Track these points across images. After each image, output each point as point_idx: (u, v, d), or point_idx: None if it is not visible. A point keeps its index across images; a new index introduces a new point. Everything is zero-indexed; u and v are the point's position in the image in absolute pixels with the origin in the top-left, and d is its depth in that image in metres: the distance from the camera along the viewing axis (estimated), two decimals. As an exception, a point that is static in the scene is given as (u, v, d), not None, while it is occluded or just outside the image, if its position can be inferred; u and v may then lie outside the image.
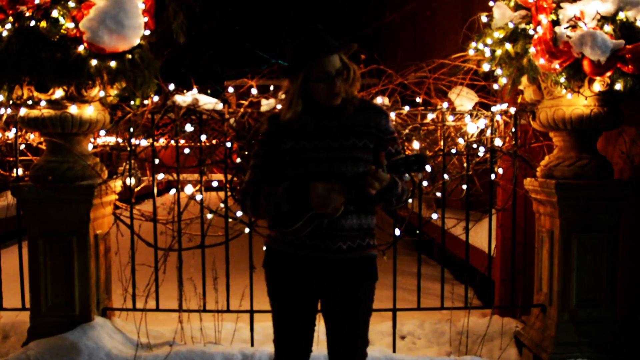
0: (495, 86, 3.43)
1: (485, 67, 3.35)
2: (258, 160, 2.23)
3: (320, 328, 2.31)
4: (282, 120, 2.17)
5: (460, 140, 3.59)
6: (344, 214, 2.10)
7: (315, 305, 2.25)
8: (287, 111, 2.15)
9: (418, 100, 3.63)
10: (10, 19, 2.99)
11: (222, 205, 3.53)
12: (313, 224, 2.09)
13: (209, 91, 3.65)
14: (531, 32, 3.10)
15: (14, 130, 3.52)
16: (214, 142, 3.56)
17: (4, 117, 3.46)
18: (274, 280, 2.26)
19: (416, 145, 3.47)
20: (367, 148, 2.14)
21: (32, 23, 2.95)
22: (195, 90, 3.55)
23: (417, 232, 3.70)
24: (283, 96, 2.23)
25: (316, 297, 2.23)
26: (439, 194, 3.61)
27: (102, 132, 3.51)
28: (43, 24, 2.94)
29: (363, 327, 2.22)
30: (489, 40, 3.29)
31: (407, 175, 2.16)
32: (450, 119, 3.56)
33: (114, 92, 3.18)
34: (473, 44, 3.41)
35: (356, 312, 2.19)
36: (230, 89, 3.66)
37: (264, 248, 2.31)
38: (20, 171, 3.47)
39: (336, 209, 2.06)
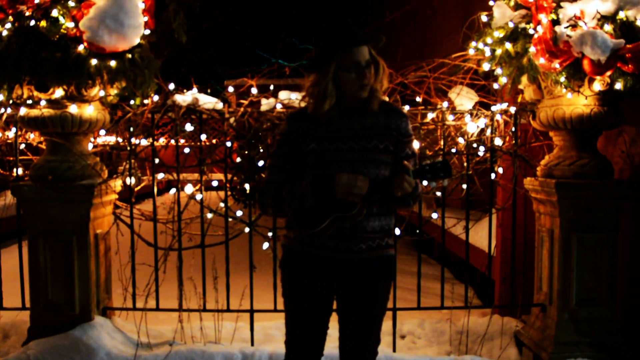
0: (496, 85, 3.43)
1: (486, 66, 3.35)
2: (277, 160, 2.20)
3: (330, 324, 2.29)
4: (312, 114, 2.13)
5: (461, 140, 3.59)
6: (366, 216, 2.10)
7: (331, 305, 2.24)
8: (321, 103, 2.09)
9: (418, 99, 3.63)
10: (10, 18, 2.99)
11: (222, 204, 3.53)
12: (336, 226, 2.09)
13: (209, 91, 3.65)
14: (531, 31, 3.10)
15: (14, 129, 3.52)
16: (214, 141, 3.56)
17: (4, 117, 3.46)
18: (291, 281, 2.23)
19: (416, 144, 3.47)
20: (387, 150, 2.14)
21: (32, 22, 2.95)
22: (195, 89, 3.55)
23: (417, 231, 3.70)
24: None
25: (333, 296, 2.23)
26: (439, 194, 3.61)
27: (102, 132, 3.51)
28: (43, 23, 2.94)
29: (377, 326, 2.23)
30: (489, 40, 3.29)
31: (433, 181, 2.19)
32: (450, 118, 3.56)
33: (114, 91, 3.18)
34: (473, 44, 3.41)
35: (372, 310, 2.20)
36: (230, 89, 3.66)
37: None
38: (20, 171, 3.47)
39: (362, 204, 2.05)
